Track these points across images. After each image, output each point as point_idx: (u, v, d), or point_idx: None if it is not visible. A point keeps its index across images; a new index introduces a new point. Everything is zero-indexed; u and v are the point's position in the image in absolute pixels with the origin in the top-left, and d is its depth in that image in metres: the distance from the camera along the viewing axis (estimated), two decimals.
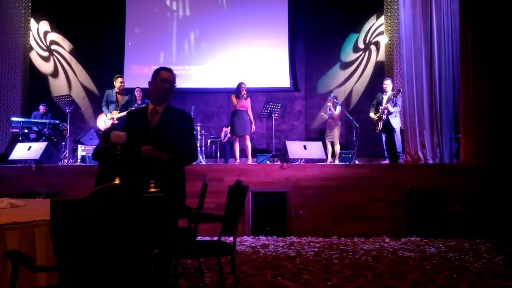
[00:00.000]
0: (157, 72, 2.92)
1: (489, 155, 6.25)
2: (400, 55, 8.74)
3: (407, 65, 7.93)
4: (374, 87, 10.02)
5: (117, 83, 7.38)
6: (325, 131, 8.48)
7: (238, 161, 7.45)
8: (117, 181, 2.42)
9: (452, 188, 5.87)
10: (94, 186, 4.58)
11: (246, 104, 7.45)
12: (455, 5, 6.79)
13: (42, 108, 8.68)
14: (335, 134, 8.28)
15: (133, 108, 7.50)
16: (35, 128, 8.17)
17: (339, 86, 10.18)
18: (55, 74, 10.35)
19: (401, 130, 7.54)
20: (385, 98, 7.41)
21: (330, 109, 8.39)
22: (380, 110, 7.36)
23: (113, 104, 7.35)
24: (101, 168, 4.80)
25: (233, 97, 7.47)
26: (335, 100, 8.37)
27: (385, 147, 7.58)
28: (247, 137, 7.48)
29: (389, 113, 7.26)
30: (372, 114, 7.52)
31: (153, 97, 2.93)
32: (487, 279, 3.69)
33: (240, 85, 7.42)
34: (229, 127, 8.62)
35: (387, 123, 7.34)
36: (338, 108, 8.36)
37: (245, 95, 7.36)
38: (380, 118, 7.37)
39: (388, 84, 7.54)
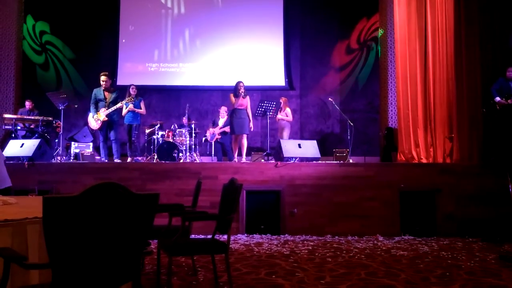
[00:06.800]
0: None
1: (482, 154, 6.28)
2: (394, 55, 8.77)
3: (401, 64, 7.96)
4: (369, 86, 10.06)
5: (101, 81, 7.42)
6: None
7: (235, 160, 7.43)
8: None
9: (445, 187, 5.90)
10: None
11: (245, 102, 7.45)
12: (450, 5, 6.82)
13: (28, 104, 8.33)
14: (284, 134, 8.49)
15: (123, 103, 7.48)
16: (25, 125, 7.95)
17: (334, 86, 10.18)
18: (45, 68, 10.26)
19: (395, 129, 7.52)
20: None
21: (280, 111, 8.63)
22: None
23: (101, 102, 7.36)
24: None
25: (231, 96, 7.46)
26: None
27: None
28: (245, 136, 7.49)
29: None
30: (498, 98, 6.62)
31: None
32: (480, 278, 3.71)
33: (238, 83, 7.42)
34: (217, 127, 8.65)
35: None
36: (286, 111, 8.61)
37: (243, 94, 7.37)
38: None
39: None
